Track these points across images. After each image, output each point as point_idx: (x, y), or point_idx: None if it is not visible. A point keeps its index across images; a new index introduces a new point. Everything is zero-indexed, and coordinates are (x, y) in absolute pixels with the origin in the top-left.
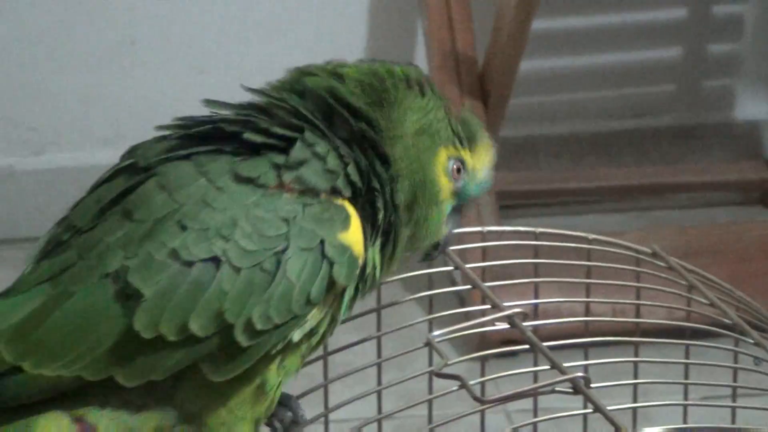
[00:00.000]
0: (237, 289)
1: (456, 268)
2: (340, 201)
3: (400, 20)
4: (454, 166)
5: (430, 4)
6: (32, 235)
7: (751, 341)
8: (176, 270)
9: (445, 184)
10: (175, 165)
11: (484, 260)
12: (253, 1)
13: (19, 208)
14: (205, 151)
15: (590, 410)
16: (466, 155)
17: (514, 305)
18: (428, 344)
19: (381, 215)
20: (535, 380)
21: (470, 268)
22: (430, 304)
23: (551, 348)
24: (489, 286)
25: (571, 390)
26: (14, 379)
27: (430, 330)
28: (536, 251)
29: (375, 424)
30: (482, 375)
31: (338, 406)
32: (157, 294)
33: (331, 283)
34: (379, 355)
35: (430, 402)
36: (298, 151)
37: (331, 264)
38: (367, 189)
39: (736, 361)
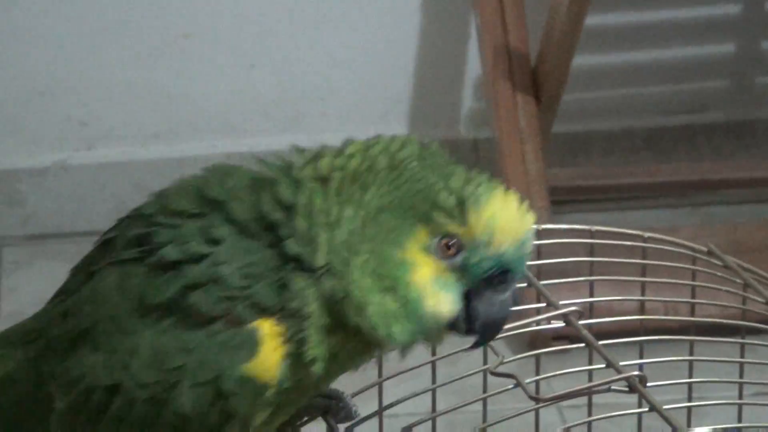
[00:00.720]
0: (132, 419)
1: None
2: (255, 323)
3: (453, 16)
4: (442, 243)
5: (483, 0)
6: (83, 230)
7: None
8: (83, 389)
9: (423, 264)
10: (108, 272)
11: (538, 258)
12: None
13: (70, 203)
14: (133, 258)
15: (646, 409)
16: (458, 229)
17: (569, 303)
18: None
19: (294, 330)
20: (590, 378)
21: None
22: None
23: (606, 346)
24: (543, 285)
25: (626, 389)
26: None
27: None
28: (591, 249)
29: (428, 422)
30: (537, 373)
31: (392, 405)
32: (68, 408)
33: (229, 415)
34: (433, 353)
35: (484, 400)
36: (199, 275)
37: (229, 396)
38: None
39: None
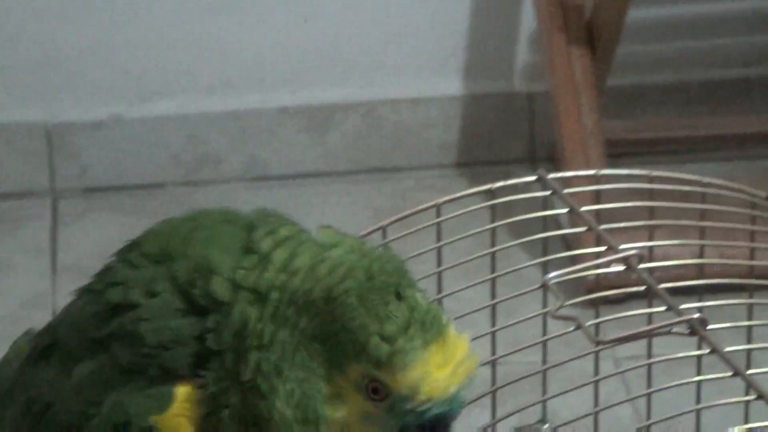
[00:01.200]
0: None
1: (570, 210)
2: (181, 388)
3: None
4: (369, 386)
5: None
6: (138, 183)
7: None
8: (29, 399)
9: (353, 401)
10: (82, 296)
11: (597, 203)
12: None
13: (126, 156)
14: (97, 290)
15: (706, 351)
16: (385, 376)
17: (629, 247)
18: (543, 286)
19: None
20: (649, 322)
21: (584, 211)
22: (544, 247)
23: (665, 290)
24: (603, 229)
25: (687, 331)
26: None
27: (544, 274)
28: (650, 194)
29: (488, 368)
30: (596, 318)
31: None
32: (15, 414)
33: None
34: (492, 297)
35: (544, 344)
36: (119, 326)
37: None
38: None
39: None
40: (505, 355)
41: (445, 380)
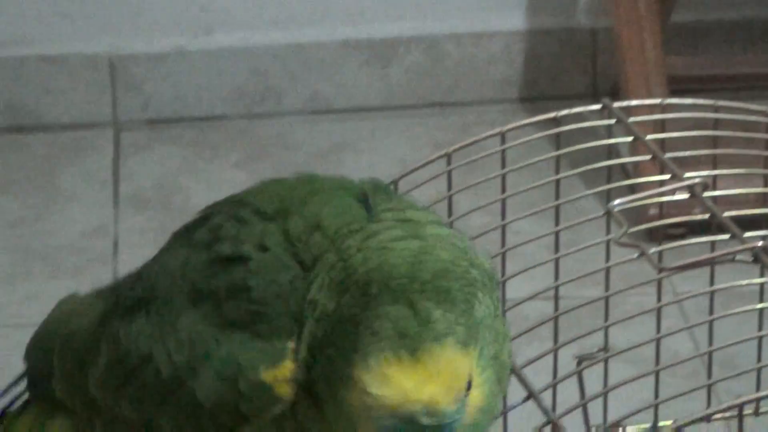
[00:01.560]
0: (153, 391)
1: (635, 139)
2: (289, 343)
3: None
4: None
5: None
6: (201, 115)
7: None
8: (122, 351)
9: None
10: (180, 250)
11: (662, 131)
12: None
13: (188, 88)
14: (203, 243)
15: None
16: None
17: (694, 176)
18: (607, 213)
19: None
20: (712, 250)
21: (648, 139)
22: (608, 176)
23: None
24: (667, 157)
25: (750, 259)
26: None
27: (607, 203)
28: (715, 124)
29: (551, 302)
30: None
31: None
32: (106, 365)
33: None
34: (556, 223)
35: (607, 272)
36: (231, 281)
37: (243, 397)
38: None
39: None
40: (568, 282)
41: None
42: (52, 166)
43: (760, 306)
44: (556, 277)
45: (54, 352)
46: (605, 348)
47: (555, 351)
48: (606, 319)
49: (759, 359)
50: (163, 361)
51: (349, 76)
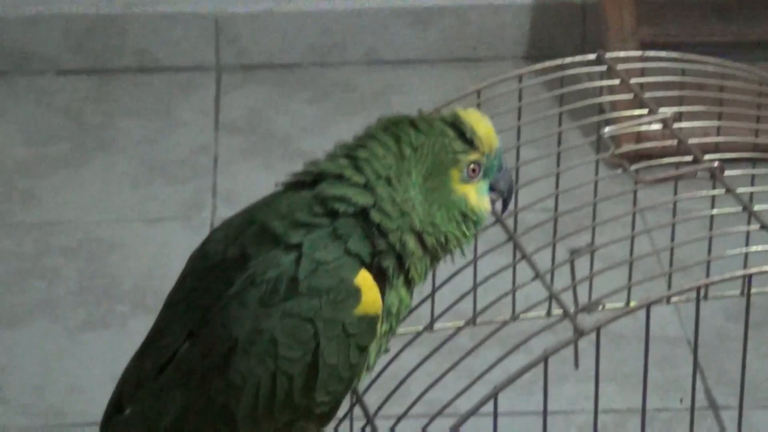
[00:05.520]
0: (296, 387)
1: (621, 82)
2: (353, 278)
3: None
4: (469, 170)
5: None
6: (284, 62)
7: None
8: (255, 382)
9: (465, 190)
10: (282, 193)
11: (642, 76)
12: None
13: (275, 41)
14: (307, 182)
15: (722, 191)
16: (472, 155)
17: (666, 110)
18: (599, 138)
19: (390, 270)
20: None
21: (632, 83)
22: (600, 112)
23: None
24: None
25: (708, 176)
26: None
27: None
28: (682, 72)
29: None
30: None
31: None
32: (248, 393)
33: (362, 347)
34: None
35: (595, 185)
36: (306, 262)
37: (355, 336)
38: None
39: None
40: (563, 192)
41: (489, 126)
42: (168, 99)
43: (714, 212)
44: (556, 208)
45: None
46: (592, 244)
47: (553, 245)
48: (594, 220)
49: (709, 253)
50: (286, 366)
51: (397, 35)
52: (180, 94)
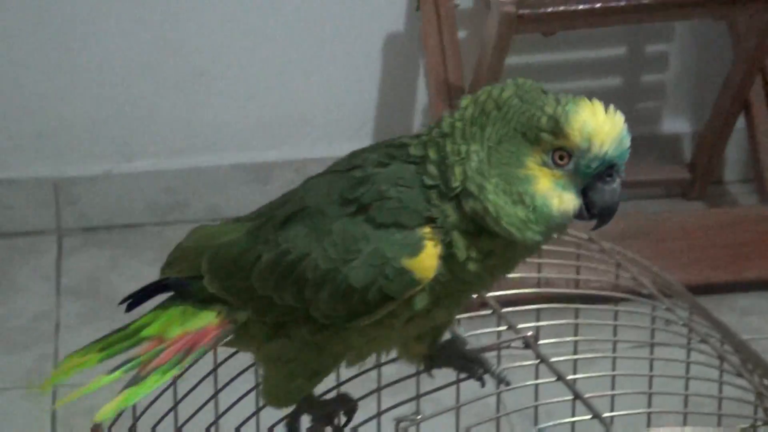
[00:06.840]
0: (312, 280)
1: None
2: (425, 231)
3: (406, 58)
4: (555, 156)
5: (429, 45)
6: (124, 223)
7: (664, 306)
8: (282, 250)
9: (540, 173)
10: (322, 177)
11: None
12: (287, 46)
13: (114, 202)
14: (342, 170)
15: (538, 361)
16: (560, 141)
17: None
18: None
19: (443, 235)
20: (498, 337)
21: None
22: None
23: (510, 312)
24: None
25: (523, 345)
26: (198, 283)
27: None
28: None
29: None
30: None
31: None
32: (268, 263)
33: (385, 295)
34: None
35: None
36: (371, 191)
37: (386, 280)
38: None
39: (653, 322)
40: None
41: (606, 123)
42: (7, 265)
43: (534, 382)
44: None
45: (203, 258)
46: (417, 411)
47: (377, 416)
48: (417, 391)
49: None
50: (321, 256)
51: (237, 191)
52: (20, 259)
